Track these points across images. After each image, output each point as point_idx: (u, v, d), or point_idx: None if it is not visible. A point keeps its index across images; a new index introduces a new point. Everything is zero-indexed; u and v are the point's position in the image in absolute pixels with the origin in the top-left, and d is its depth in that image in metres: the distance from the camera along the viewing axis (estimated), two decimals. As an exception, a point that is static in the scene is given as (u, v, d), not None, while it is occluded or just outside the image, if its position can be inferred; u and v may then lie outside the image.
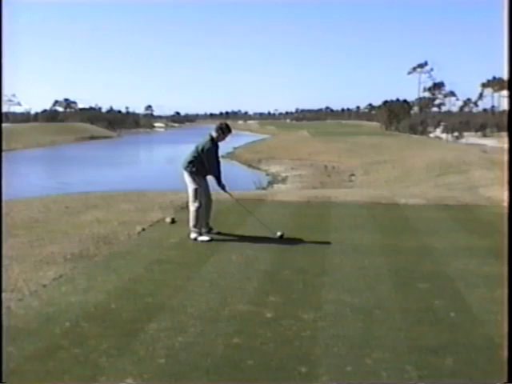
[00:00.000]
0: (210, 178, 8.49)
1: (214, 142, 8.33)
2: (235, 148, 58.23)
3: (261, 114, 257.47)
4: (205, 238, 8.23)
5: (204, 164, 8.23)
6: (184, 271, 6.66)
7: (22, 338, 4.52)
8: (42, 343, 4.46)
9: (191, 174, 8.26)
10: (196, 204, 8.26)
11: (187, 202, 8.59)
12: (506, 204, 8.93)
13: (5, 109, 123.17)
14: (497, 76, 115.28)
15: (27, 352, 4.28)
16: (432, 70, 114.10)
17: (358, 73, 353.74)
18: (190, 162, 8.26)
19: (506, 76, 4.09)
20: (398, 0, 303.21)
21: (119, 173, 42.43)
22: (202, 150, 8.22)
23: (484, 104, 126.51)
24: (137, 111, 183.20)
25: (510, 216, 4.18)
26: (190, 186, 8.30)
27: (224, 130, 8.38)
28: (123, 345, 4.46)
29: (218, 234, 8.57)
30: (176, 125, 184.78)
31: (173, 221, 9.40)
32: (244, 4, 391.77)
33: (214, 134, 8.35)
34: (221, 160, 8.58)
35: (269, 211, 10.92)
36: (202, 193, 8.33)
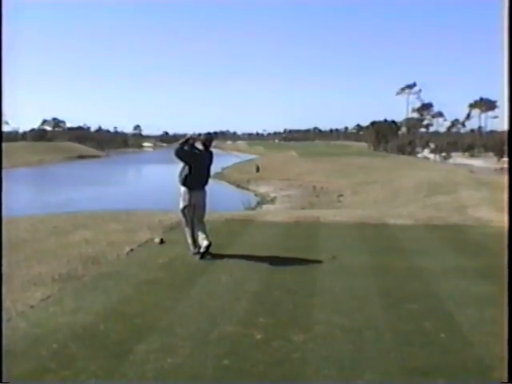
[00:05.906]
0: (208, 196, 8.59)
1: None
2: (224, 168, 58.21)
3: (249, 135, 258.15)
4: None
5: (192, 172, 8.30)
6: (173, 292, 6.62)
7: (9, 360, 4.45)
8: (29, 365, 4.40)
9: (184, 186, 8.36)
10: (183, 221, 8.53)
11: (176, 222, 8.61)
12: (504, 224, 9.00)
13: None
14: (484, 97, 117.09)
15: (14, 374, 4.21)
16: (420, 90, 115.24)
17: (347, 93, 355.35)
18: (180, 173, 8.42)
19: (505, 91, 4.10)
20: (386, 21, 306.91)
21: (105, 191, 42.30)
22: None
23: (471, 124, 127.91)
24: (125, 131, 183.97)
25: (510, 234, 4.20)
26: (180, 204, 8.48)
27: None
28: (112, 366, 4.41)
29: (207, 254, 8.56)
30: (164, 144, 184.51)
31: (161, 241, 9.36)
32: (231, 24, 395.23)
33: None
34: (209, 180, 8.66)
35: (258, 232, 10.90)
36: (191, 210, 8.43)
